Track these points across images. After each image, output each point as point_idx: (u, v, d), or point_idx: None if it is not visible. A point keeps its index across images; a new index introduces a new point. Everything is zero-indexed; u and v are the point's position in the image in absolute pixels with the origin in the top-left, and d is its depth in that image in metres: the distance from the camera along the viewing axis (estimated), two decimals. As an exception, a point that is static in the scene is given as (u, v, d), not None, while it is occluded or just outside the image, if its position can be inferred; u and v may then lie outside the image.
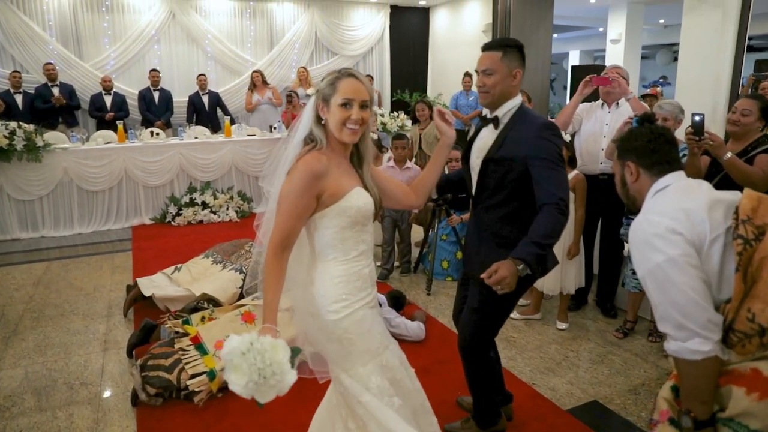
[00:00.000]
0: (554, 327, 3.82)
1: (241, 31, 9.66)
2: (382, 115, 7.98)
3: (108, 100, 7.72)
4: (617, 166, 1.86)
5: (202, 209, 6.77)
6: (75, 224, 6.36)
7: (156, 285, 4.00)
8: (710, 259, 1.55)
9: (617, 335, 3.67)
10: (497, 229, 2.25)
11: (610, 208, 3.78)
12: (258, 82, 8.18)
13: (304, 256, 1.88)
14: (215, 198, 6.85)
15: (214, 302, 3.68)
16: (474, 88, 8.42)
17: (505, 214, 2.23)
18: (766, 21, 10.22)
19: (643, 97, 7.44)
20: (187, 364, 2.97)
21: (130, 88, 8.62)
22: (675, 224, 1.54)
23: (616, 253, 3.94)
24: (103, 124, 7.49)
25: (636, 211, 1.78)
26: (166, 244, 5.85)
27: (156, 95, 8.06)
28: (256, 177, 7.25)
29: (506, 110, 2.24)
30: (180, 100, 8.51)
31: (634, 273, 3.53)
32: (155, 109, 8.01)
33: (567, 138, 4.27)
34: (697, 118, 2.78)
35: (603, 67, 10.10)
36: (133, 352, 3.34)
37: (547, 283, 3.72)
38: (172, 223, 6.62)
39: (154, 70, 8.12)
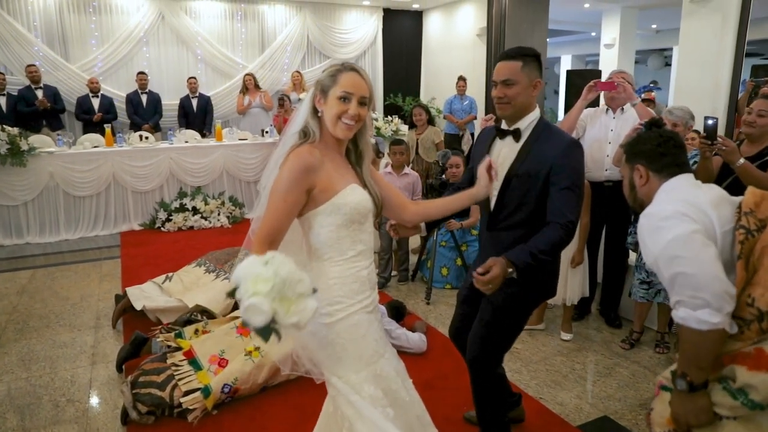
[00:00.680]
0: (558, 338, 3.73)
1: (231, 33, 9.50)
2: (376, 119, 7.88)
3: (95, 102, 7.54)
4: (626, 170, 1.87)
5: (193, 215, 6.61)
6: (61, 230, 6.18)
7: (146, 295, 3.85)
8: (722, 254, 1.58)
9: (623, 346, 3.58)
10: None
11: (615, 215, 3.70)
12: (250, 85, 8.08)
13: (300, 256, 1.79)
14: (206, 203, 6.70)
15: (207, 314, 3.53)
16: (468, 93, 8.34)
17: (527, 232, 2.10)
18: (760, 26, 10.25)
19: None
20: (180, 380, 2.83)
21: (118, 90, 8.42)
22: (684, 209, 1.59)
23: (621, 262, 3.85)
24: (90, 127, 7.32)
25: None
26: (156, 251, 5.69)
27: (144, 98, 7.89)
28: (248, 182, 7.14)
29: (528, 123, 2.15)
30: (169, 103, 8.36)
31: (641, 283, 3.44)
32: (143, 112, 7.84)
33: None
34: (710, 122, 2.71)
35: (599, 71, 10.09)
36: (123, 367, 3.21)
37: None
38: (162, 229, 6.46)
39: (141, 72, 7.95)
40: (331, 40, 10.24)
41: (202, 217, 6.64)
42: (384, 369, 1.81)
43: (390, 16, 10.71)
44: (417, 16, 11.01)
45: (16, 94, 7.16)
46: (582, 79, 8.87)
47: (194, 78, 8.22)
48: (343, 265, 1.73)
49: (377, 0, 10.18)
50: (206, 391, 2.78)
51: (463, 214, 4.48)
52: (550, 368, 3.34)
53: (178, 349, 3.05)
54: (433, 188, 4.63)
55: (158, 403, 2.73)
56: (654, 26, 13.33)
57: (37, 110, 7.08)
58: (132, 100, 7.86)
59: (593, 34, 13.78)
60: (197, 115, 8.11)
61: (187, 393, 2.77)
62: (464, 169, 4.75)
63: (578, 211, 2.09)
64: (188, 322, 3.38)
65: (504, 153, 2.19)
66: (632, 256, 3.79)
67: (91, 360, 3.43)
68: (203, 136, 7.59)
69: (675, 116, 3.22)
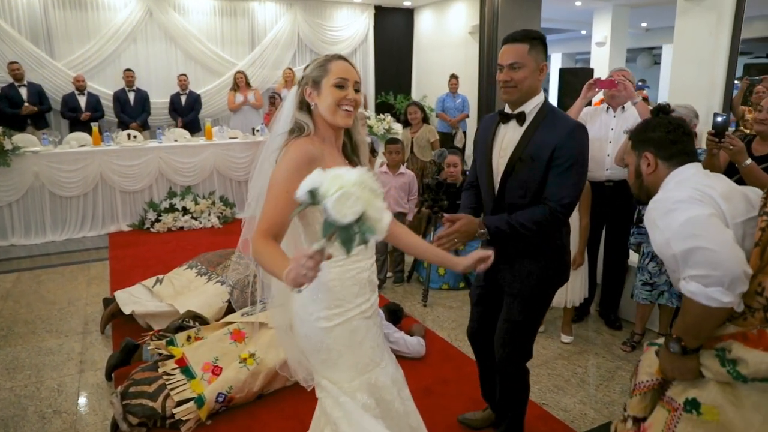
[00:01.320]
0: (558, 340, 3.66)
1: (221, 30, 9.35)
2: (369, 118, 7.78)
3: (82, 100, 7.37)
4: (631, 157, 1.84)
5: (183, 215, 6.48)
6: (47, 231, 6.01)
7: (136, 300, 3.73)
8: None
9: (625, 348, 3.53)
10: None
11: (616, 216, 3.64)
12: (241, 83, 7.96)
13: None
14: (196, 203, 6.57)
15: (200, 320, 3.42)
16: (461, 91, 8.27)
17: None
18: (750, 25, 10.28)
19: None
20: (172, 389, 2.72)
21: (105, 88, 8.23)
22: (696, 195, 1.57)
23: (621, 263, 3.80)
24: (77, 125, 7.14)
25: (647, 202, 1.76)
26: (146, 253, 5.56)
27: (131, 96, 7.72)
28: (239, 181, 7.01)
29: (533, 106, 2.10)
30: (157, 101, 8.20)
31: (644, 284, 3.38)
32: (130, 110, 7.68)
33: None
34: (719, 118, 2.64)
35: (591, 70, 10.02)
36: (113, 375, 3.09)
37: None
38: (151, 229, 6.32)
39: (128, 70, 7.76)
40: (322, 37, 10.13)
41: (192, 218, 6.51)
42: (379, 378, 1.76)
43: (381, 13, 10.61)
44: (409, 14, 10.92)
45: (-1, 92, 6.99)
46: (576, 77, 8.86)
47: (184, 75, 8.09)
48: (344, 266, 1.66)
49: (368, -3, 10.10)
50: (200, 401, 2.68)
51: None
52: (552, 372, 3.28)
53: (170, 357, 2.94)
54: (430, 188, 4.55)
55: (150, 414, 2.62)
56: (644, 24, 13.35)
57: (20, 114, 6.92)
58: (119, 97, 7.69)
59: (583, 32, 13.80)
60: (186, 112, 7.97)
61: (179, 403, 2.67)
62: (461, 168, 4.69)
63: (576, 194, 2.06)
64: (180, 328, 3.26)
65: (508, 137, 2.14)
66: (634, 257, 3.73)
67: (79, 367, 3.31)
68: (192, 134, 7.45)
69: (679, 114, 3.16)
